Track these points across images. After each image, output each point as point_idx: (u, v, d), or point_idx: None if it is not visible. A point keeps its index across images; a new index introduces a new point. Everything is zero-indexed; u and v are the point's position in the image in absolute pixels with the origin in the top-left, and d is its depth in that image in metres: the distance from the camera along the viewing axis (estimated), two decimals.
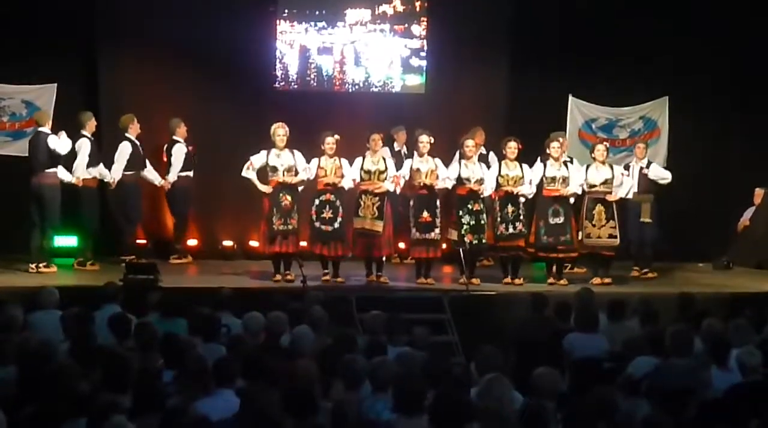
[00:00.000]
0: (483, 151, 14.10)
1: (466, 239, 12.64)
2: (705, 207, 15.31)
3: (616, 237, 13.03)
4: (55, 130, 13.10)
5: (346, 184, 12.62)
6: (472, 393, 6.61)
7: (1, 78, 14.13)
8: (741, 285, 13.39)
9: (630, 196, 13.36)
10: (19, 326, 8.73)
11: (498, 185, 12.83)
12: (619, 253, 13.41)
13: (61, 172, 13.04)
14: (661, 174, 14.08)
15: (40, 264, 12.91)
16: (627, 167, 13.97)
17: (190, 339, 8.18)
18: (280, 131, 12.62)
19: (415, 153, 12.94)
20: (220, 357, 7.29)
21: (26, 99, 14.17)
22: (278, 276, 12.65)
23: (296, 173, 12.62)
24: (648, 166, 14.07)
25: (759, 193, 15.52)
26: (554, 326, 9.74)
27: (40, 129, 13.08)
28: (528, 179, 12.87)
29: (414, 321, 9.36)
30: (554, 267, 13.05)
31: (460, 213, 12.72)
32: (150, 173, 14.02)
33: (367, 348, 7.90)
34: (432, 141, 12.80)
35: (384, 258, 12.88)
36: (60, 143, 12.92)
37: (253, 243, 14.07)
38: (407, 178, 12.72)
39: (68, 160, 13.19)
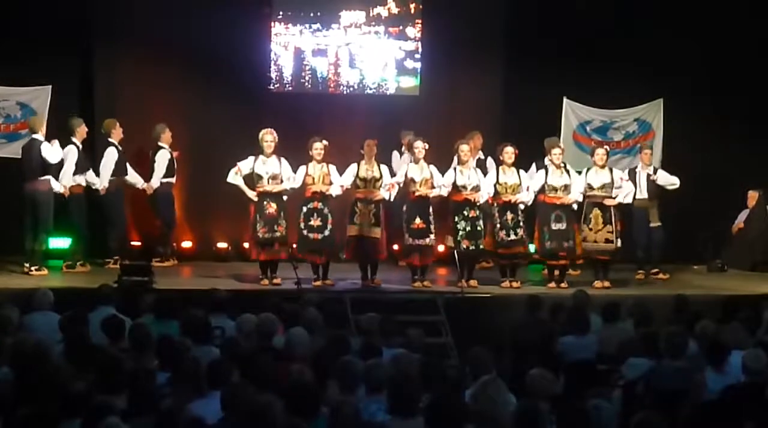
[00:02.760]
0: (481, 156, 14.11)
1: (462, 245, 12.65)
2: (699, 209, 15.29)
3: (612, 241, 12.99)
4: (49, 136, 13.09)
5: (334, 191, 12.55)
6: (466, 395, 6.62)
7: None
8: (735, 287, 13.39)
9: (629, 200, 13.32)
10: (15, 327, 8.72)
11: (496, 192, 12.83)
12: (624, 257, 13.42)
13: (53, 182, 13.03)
14: (670, 180, 14.08)
15: (32, 268, 12.90)
16: (633, 172, 13.99)
17: (184, 341, 8.17)
18: (267, 137, 12.55)
19: (411, 159, 12.96)
20: (214, 359, 7.29)
21: (21, 101, 14.13)
22: (266, 281, 12.62)
23: (281, 182, 12.59)
24: (655, 172, 14.08)
25: (753, 195, 15.53)
26: (548, 328, 9.75)
27: (34, 136, 13.05)
28: (525, 186, 12.87)
29: (408, 323, 9.36)
30: (556, 272, 13.02)
31: (456, 219, 12.72)
32: (132, 177, 14.01)
33: (361, 350, 7.91)
34: (427, 147, 12.79)
35: (378, 262, 12.86)
36: (51, 152, 12.90)
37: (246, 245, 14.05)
38: (401, 184, 12.71)
39: (59, 167, 13.18)
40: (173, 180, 14.28)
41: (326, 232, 12.50)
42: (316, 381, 6.83)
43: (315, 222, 12.49)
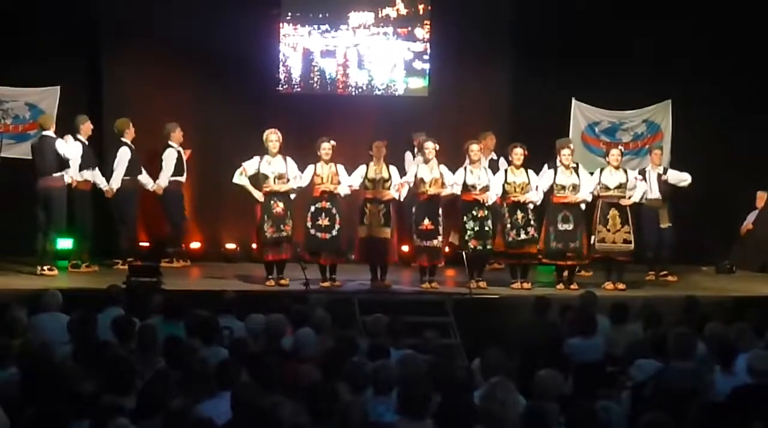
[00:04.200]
0: (494, 156, 14.14)
1: (470, 245, 12.65)
2: (708, 210, 15.29)
3: (630, 242, 12.96)
4: (59, 134, 13.12)
5: (342, 190, 12.57)
6: (475, 396, 6.61)
7: (5, 80, 14.14)
8: (744, 288, 13.38)
9: (644, 200, 13.32)
10: (23, 328, 8.73)
11: (505, 192, 12.83)
12: (634, 257, 13.40)
13: (66, 178, 13.08)
14: (681, 177, 14.06)
15: (44, 267, 12.92)
16: (643, 172, 13.97)
17: (192, 341, 8.17)
18: (272, 137, 12.54)
19: (421, 159, 12.98)
20: (223, 360, 7.30)
21: (29, 101, 14.16)
22: (271, 281, 12.61)
23: (287, 181, 12.59)
24: (665, 172, 14.07)
25: (762, 195, 15.52)
26: (557, 329, 9.74)
27: (45, 133, 13.11)
28: (534, 185, 12.87)
29: (416, 324, 9.37)
30: (565, 273, 13.01)
31: (465, 219, 12.73)
32: (144, 178, 14.04)
33: (369, 351, 7.91)
34: (437, 147, 12.79)
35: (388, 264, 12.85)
36: (67, 148, 12.97)
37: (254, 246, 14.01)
38: (411, 184, 12.72)
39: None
40: (182, 178, 14.26)
41: (334, 232, 12.51)
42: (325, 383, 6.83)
43: (323, 221, 12.51)
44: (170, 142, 14.14)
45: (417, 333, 9.22)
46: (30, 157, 13.32)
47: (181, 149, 14.22)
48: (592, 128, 15.41)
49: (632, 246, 13.00)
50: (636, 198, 13.09)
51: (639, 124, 15.56)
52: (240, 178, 12.57)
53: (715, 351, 8.14)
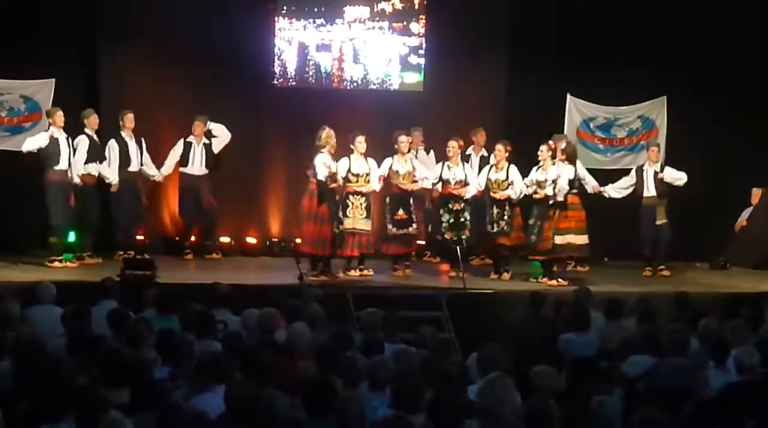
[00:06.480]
0: (484, 153, 14.19)
1: (446, 236, 12.94)
2: (702, 207, 15.26)
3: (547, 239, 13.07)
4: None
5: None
6: (471, 391, 6.62)
7: (0, 73, 14.10)
8: (738, 285, 13.39)
9: (514, 197, 13.18)
10: (16, 321, 8.71)
11: (487, 188, 13.12)
12: (632, 255, 13.62)
13: (50, 172, 13.03)
14: (677, 176, 14.07)
15: (55, 259, 12.92)
16: (640, 169, 14.07)
17: (186, 335, 8.16)
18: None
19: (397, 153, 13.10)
20: (218, 354, 7.29)
21: (24, 94, 14.10)
22: (323, 276, 12.59)
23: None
24: (662, 170, 14.08)
25: (756, 192, 15.51)
26: (551, 325, 9.74)
27: (53, 127, 13.08)
28: (511, 180, 13.05)
29: (411, 319, 9.39)
30: (555, 267, 13.11)
31: (441, 211, 13.06)
32: (149, 169, 14.03)
33: (363, 346, 7.91)
34: (410, 141, 13.07)
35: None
36: (75, 142, 13.00)
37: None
38: (386, 176, 12.95)
39: (53, 156, 13.13)
40: (188, 169, 14.21)
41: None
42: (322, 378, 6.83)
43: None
44: (192, 135, 14.17)
45: (411, 327, 9.22)
46: (29, 150, 13.31)
47: (194, 141, 14.17)
48: (587, 124, 15.39)
49: (549, 243, 12.96)
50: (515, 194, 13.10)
51: (634, 120, 15.54)
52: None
53: (709, 347, 8.15)
